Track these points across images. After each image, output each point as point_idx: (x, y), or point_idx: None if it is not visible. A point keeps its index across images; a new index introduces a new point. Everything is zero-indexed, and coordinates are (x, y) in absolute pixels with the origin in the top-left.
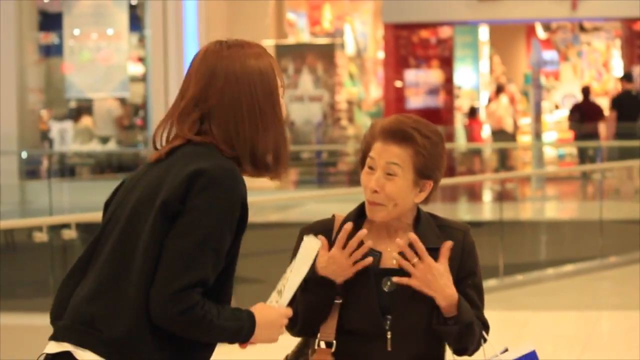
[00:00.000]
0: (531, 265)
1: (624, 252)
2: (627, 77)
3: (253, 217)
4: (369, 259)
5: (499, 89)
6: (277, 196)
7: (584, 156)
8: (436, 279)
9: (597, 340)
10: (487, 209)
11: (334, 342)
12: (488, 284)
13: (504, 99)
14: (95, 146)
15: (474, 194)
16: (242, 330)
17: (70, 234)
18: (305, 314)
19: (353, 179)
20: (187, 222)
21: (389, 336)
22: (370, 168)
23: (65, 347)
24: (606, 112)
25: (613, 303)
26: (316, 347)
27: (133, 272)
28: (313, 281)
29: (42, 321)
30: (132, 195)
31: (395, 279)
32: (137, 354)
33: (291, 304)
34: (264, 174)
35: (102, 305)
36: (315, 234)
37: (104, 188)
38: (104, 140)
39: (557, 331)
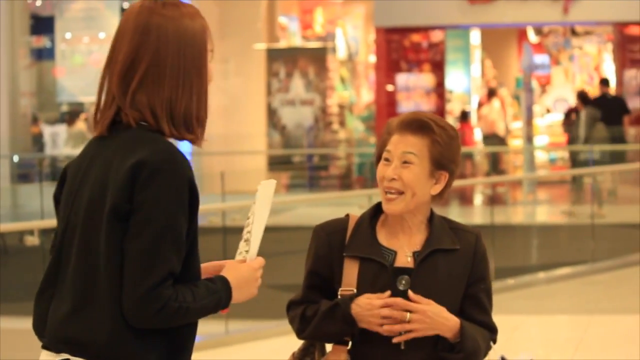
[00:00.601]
0: (522, 269)
1: (615, 256)
2: (604, 82)
3: (244, 221)
4: (395, 328)
5: (491, 93)
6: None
7: (575, 160)
8: (434, 320)
9: (589, 344)
10: (478, 213)
11: (349, 340)
12: None
13: (496, 103)
14: None
15: (464, 197)
16: (221, 300)
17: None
18: (318, 333)
19: (344, 183)
20: (140, 220)
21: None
22: (387, 160)
23: (62, 355)
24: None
25: (605, 307)
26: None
27: (101, 283)
28: (341, 313)
29: None
30: (82, 193)
31: (396, 339)
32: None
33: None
34: (184, 135)
35: (81, 323)
36: (329, 234)
37: None
38: None
39: (549, 335)
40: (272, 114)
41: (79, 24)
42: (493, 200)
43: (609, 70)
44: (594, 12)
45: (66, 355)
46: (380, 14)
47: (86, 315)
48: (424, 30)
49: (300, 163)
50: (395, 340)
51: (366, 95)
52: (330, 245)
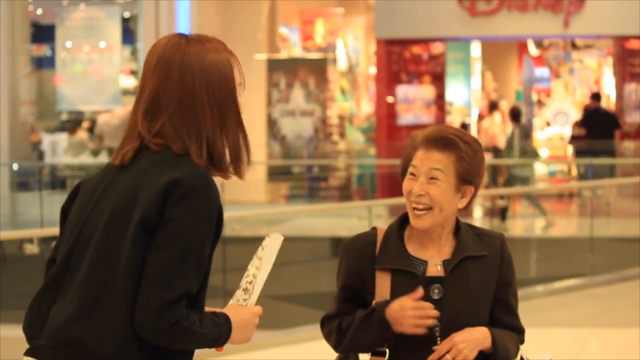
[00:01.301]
0: (521, 281)
1: (614, 270)
2: (595, 97)
3: (244, 231)
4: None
5: (493, 106)
6: (268, 210)
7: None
8: (469, 344)
9: (589, 357)
10: (479, 225)
11: (387, 350)
12: None
13: (497, 116)
14: (86, 158)
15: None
16: (222, 336)
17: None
18: (355, 343)
19: (344, 194)
20: (167, 235)
21: (438, 343)
22: (412, 175)
23: None
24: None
25: (603, 320)
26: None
27: (116, 290)
28: (376, 317)
29: None
30: (102, 206)
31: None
32: None
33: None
34: (222, 172)
35: (87, 326)
36: (359, 248)
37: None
38: (95, 152)
39: (548, 348)
40: (272, 124)
41: (79, 33)
42: (493, 212)
43: (609, 84)
44: (595, 26)
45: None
46: (381, 26)
47: (95, 319)
48: (425, 42)
49: (299, 174)
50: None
51: (366, 107)
52: (361, 259)
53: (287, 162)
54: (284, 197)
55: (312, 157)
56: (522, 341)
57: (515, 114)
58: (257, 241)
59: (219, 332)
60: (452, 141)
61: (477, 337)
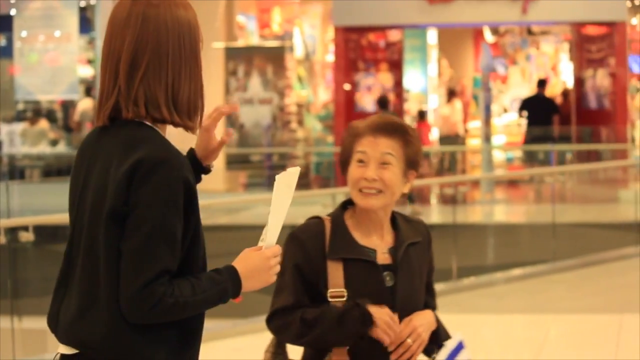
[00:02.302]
0: (484, 268)
1: (578, 255)
2: (541, 83)
3: (202, 220)
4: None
5: (451, 94)
6: (228, 199)
7: (533, 159)
8: (425, 328)
9: (552, 343)
10: (439, 212)
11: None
12: (441, 287)
13: (458, 103)
14: (44, 148)
15: (422, 197)
16: (227, 291)
17: (27, 237)
18: (326, 339)
19: (302, 182)
20: (133, 220)
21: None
22: (361, 161)
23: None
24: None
25: (567, 306)
26: None
27: (102, 285)
28: (360, 315)
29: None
30: (85, 196)
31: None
32: (132, 357)
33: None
34: (186, 123)
35: (84, 326)
36: (309, 238)
37: (54, 190)
38: (54, 142)
39: (513, 334)
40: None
41: (36, 22)
42: (454, 199)
43: (567, 70)
44: (553, 12)
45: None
46: (339, 13)
47: (90, 317)
48: (383, 29)
49: (258, 162)
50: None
51: (323, 95)
52: (313, 249)
53: (246, 150)
54: (242, 185)
55: (271, 145)
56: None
57: (382, 103)
58: (216, 230)
59: (222, 289)
60: (399, 127)
61: (430, 320)
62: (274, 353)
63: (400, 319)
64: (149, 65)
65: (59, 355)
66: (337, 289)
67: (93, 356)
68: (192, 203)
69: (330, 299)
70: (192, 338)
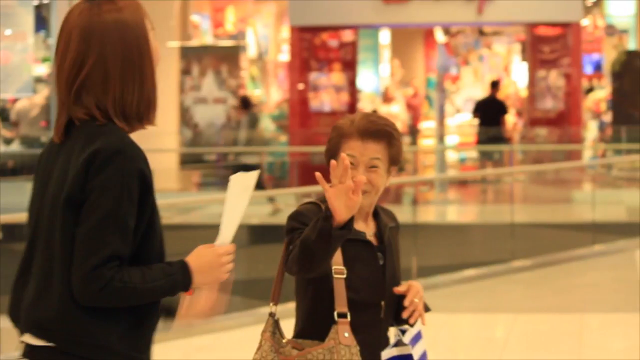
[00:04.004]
0: (444, 267)
1: (534, 255)
2: (494, 84)
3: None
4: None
5: (388, 98)
6: (181, 199)
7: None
8: (420, 291)
9: (515, 343)
10: (398, 212)
11: (348, 313)
12: None
13: (394, 107)
14: None
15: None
16: (177, 283)
17: None
18: (306, 240)
19: (256, 182)
20: (88, 206)
21: (383, 305)
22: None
23: (40, 342)
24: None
25: (527, 306)
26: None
27: (56, 269)
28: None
29: None
30: (48, 190)
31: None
32: (83, 338)
33: None
34: (135, 127)
35: (40, 308)
36: (312, 218)
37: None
38: (8, 141)
39: (474, 333)
40: (184, 112)
41: None
42: (415, 199)
43: (519, 71)
44: (508, 13)
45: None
46: (295, 13)
47: (45, 299)
48: (338, 29)
49: (212, 161)
50: (411, 321)
51: (275, 94)
52: None
53: (200, 150)
54: (196, 185)
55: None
56: None
57: (245, 103)
58: (169, 229)
59: (173, 280)
60: (387, 133)
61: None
62: (272, 332)
63: (387, 295)
64: (92, 77)
65: (19, 354)
66: (337, 266)
67: (42, 337)
68: (147, 193)
69: (335, 275)
70: (145, 325)
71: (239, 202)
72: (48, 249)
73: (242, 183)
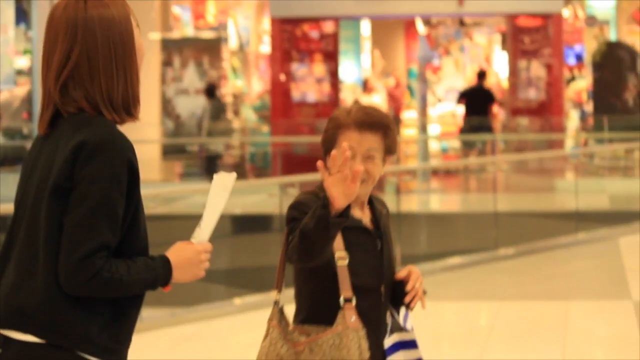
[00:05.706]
0: (428, 256)
1: (518, 244)
2: (481, 75)
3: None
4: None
5: (369, 88)
6: (163, 189)
7: (471, 148)
8: (420, 276)
9: (500, 330)
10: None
11: (353, 297)
12: None
13: (375, 97)
14: None
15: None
16: (158, 278)
17: None
18: (306, 228)
19: (238, 172)
20: (76, 196)
21: (382, 290)
22: None
23: (6, 333)
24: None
25: (512, 293)
26: (341, 302)
27: (40, 257)
28: (321, 201)
29: None
30: (33, 178)
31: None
32: (64, 327)
33: None
34: (125, 119)
35: (21, 294)
36: (311, 207)
37: None
38: None
39: (459, 321)
40: (166, 103)
41: None
42: (398, 188)
43: (500, 61)
44: (488, 4)
45: (9, 332)
46: (275, 5)
47: (26, 286)
48: (319, 20)
49: (194, 152)
50: (412, 305)
51: (257, 85)
52: None
53: (182, 140)
54: (178, 175)
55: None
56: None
57: (210, 91)
58: (151, 220)
59: (154, 274)
60: (383, 124)
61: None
62: (279, 320)
63: (388, 277)
64: (79, 71)
65: None
66: (341, 251)
67: (22, 326)
68: (134, 184)
69: (338, 261)
70: (126, 316)
71: (218, 202)
72: (31, 237)
73: (222, 183)
